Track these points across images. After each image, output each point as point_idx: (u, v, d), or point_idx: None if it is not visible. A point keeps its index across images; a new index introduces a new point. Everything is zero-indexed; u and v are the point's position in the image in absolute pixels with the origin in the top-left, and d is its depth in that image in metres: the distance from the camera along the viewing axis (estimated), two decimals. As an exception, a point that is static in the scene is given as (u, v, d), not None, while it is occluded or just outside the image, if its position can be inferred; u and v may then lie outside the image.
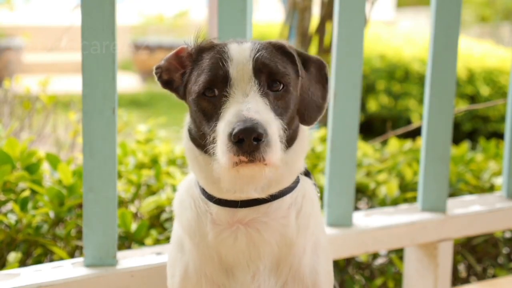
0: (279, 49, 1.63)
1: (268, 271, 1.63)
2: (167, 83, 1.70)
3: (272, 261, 1.63)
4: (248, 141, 1.40)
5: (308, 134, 1.71)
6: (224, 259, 1.63)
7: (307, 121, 1.63)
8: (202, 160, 1.60)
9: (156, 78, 1.71)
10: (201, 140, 1.59)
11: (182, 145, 1.71)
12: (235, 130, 1.40)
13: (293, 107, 1.60)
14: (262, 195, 1.58)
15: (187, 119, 1.70)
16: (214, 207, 1.62)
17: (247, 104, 1.47)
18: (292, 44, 1.76)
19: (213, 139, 1.51)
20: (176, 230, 1.75)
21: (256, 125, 1.40)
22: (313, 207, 1.72)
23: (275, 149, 1.45)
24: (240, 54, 1.56)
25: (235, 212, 1.60)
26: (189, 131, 1.66)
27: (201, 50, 1.64)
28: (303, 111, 1.62)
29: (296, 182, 1.68)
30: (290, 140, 1.60)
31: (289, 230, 1.63)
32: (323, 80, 1.68)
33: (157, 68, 1.70)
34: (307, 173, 1.78)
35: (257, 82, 1.53)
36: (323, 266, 1.70)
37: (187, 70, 1.65)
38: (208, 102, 1.55)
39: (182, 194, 1.75)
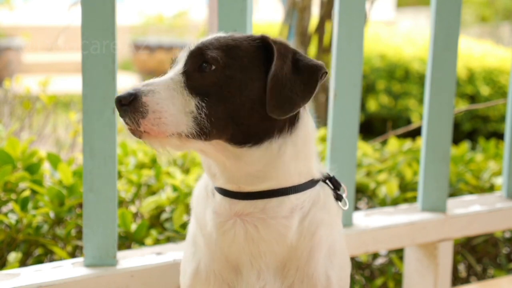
0: (254, 41, 1.58)
1: (273, 271, 1.62)
2: None
3: (276, 260, 1.62)
4: (118, 107, 1.49)
5: (306, 134, 1.62)
6: (228, 255, 1.63)
7: (270, 110, 1.51)
8: None
9: None
10: None
11: None
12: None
13: (237, 92, 1.52)
14: (251, 188, 1.57)
15: None
16: (218, 197, 1.63)
17: (151, 80, 1.53)
18: (291, 43, 1.72)
19: None
20: (192, 225, 1.76)
21: (126, 93, 1.47)
22: (329, 215, 1.68)
23: (149, 116, 1.45)
24: (197, 42, 1.60)
25: (234, 204, 1.60)
26: None
27: None
28: (268, 100, 1.51)
29: (307, 186, 1.64)
30: (255, 133, 1.54)
31: (290, 232, 1.61)
32: (311, 85, 1.56)
33: None
34: (335, 184, 1.73)
35: (184, 63, 1.56)
36: (337, 273, 1.68)
37: None
38: None
39: (200, 188, 1.76)
